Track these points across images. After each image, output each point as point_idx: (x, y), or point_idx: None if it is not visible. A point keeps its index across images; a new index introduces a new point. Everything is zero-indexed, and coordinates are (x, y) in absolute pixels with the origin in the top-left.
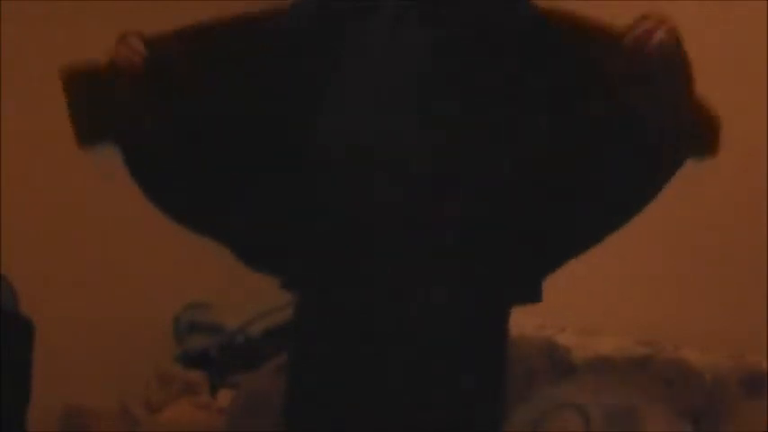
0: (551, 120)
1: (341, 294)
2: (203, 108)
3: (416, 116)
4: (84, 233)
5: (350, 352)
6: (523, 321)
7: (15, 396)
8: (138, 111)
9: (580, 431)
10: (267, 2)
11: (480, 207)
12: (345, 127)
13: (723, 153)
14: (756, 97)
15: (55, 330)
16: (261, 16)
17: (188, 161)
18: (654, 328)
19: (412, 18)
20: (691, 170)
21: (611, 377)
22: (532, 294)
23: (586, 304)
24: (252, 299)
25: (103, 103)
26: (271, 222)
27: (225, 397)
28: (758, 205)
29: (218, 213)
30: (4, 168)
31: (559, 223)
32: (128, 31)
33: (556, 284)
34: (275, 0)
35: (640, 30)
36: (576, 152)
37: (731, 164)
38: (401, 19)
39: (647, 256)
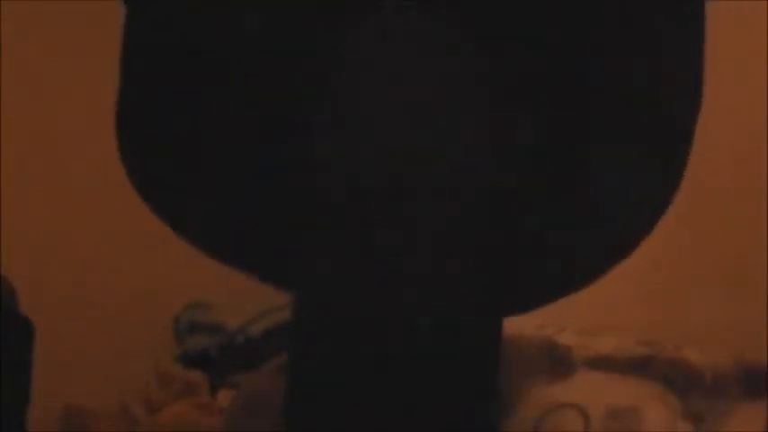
0: (556, 117)
1: (341, 295)
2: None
3: (418, 115)
4: (84, 233)
5: (350, 352)
6: (523, 321)
7: (15, 396)
8: None
9: (580, 431)
10: None
11: (480, 208)
12: (345, 126)
13: (723, 153)
14: (756, 97)
15: (55, 330)
16: None
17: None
18: (654, 328)
19: (412, 17)
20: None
21: (611, 377)
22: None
23: (586, 304)
24: (252, 299)
25: None
26: (268, 223)
27: (225, 397)
28: (758, 205)
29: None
30: (4, 168)
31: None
32: None
33: None
34: None
35: None
36: (583, 150)
37: (731, 164)
38: (401, 18)
39: (647, 257)
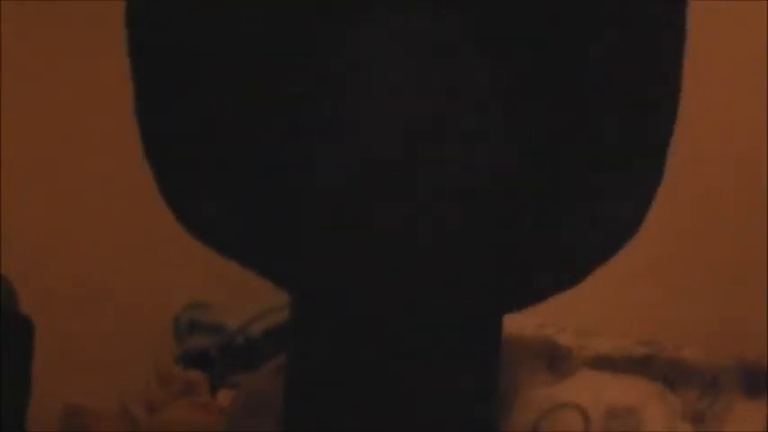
0: (556, 117)
1: (340, 294)
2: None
3: (417, 116)
4: (85, 233)
5: (349, 352)
6: (523, 321)
7: (15, 396)
8: None
9: (580, 431)
10: None
11: (480, 207)
12: (345, 126)
13: (723, 153)
14: (756, 97)
15: (55, 330)
16: None
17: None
18: (654, 328)
19: (411, 17)
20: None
21: (611, 377)
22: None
23: (586, 304)
24: (252, 299)
25: None
26: (272, 214)
27: (225, 397)
28: (758, 205)
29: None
30: (4, 168)
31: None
32: None
33: None
34: None
35: None
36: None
37: (731, 164)
38: (401, 18)
39: (647, 256)
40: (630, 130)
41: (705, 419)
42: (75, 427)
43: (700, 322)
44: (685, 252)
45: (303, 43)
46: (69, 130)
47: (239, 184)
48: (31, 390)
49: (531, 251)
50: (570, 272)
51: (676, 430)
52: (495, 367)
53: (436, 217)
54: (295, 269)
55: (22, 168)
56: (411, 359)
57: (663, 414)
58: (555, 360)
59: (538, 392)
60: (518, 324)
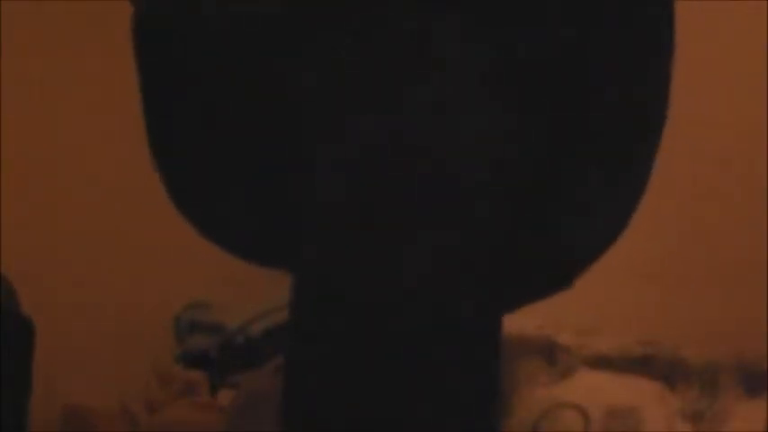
0: (555, 117)
1: (341, 294)
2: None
3: (418, 114)
4: (85, 233)
5: (349, 352)
6: (523, 321)
7: (15, 396)
8: None
9: (580, 431)
10: None
11: (482, 207)
12: (346, 126)
13: (723, 153)
14: (756, 97)
15: (55, 330)
16: None
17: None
18: (654, 328)
19: (412, 19)
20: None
21: (611, 377)
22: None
23: (586, 304)
24: (252, 299)
25: None
26: (272, 214)
27: (225, 397)
28: (758, 205)
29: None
30: (4, 168)
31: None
32: None
33: None
34: None
35: None
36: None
37: (731, 164)
38: (402, 19)
39: (647, 256)
40: (630, 129)
41: (705, 419)
42: (76, 427)
43: (700, 322)
44: (685, 252)
45: (303, 43)
46: (69, 130)
47: (239, 184)
48: (32, 390)
49: (530, 250)
50: (569, 270)
51: (676, 430)
52: (495, 367)
53: (436, 217)
54: (296, 268)
55: (22, 168)
56: (411, 359)
57: (663, 414)
58: (555, 360)
59: (538, 392)
60: (518, 324)
